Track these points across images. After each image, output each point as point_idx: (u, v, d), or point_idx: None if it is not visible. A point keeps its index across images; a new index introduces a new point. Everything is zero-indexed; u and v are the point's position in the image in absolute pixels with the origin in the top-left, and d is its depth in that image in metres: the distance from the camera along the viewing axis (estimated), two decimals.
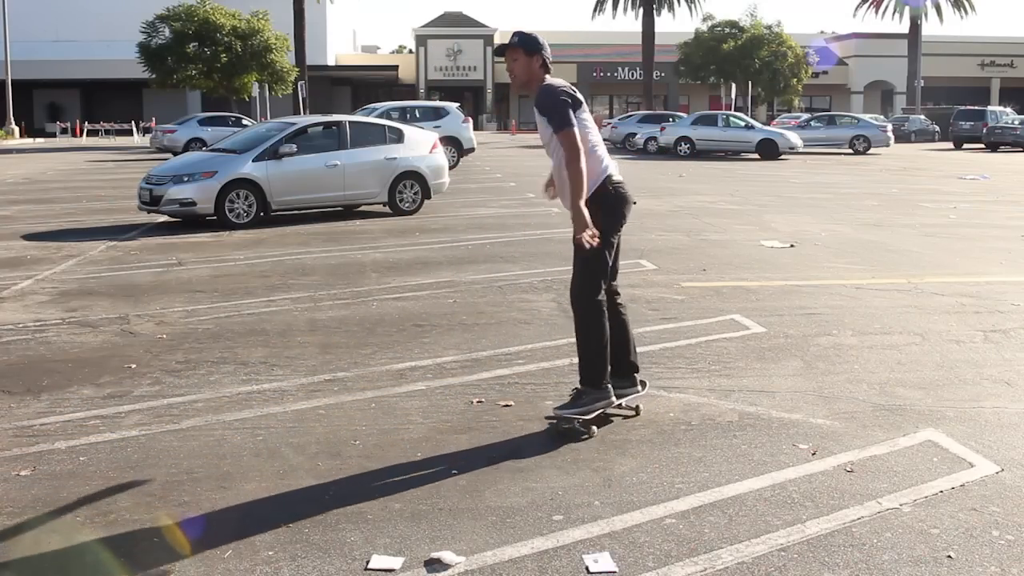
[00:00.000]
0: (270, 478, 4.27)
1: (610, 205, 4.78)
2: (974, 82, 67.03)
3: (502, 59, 4.87)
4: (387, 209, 15.10)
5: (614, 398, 4.91)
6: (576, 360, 5.00)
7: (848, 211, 15.47)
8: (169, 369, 6.09)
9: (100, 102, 60.42)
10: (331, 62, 63.43)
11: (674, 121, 36.54)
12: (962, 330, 6.99)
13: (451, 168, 19.13)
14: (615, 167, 4.89)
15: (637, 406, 5.10)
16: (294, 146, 13.88)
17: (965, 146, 41.87)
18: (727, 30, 53.32)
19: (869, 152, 36.62)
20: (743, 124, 34.41)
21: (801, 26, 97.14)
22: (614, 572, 3.39)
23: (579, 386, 4.90)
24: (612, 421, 4.95)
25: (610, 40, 64.74)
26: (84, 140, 47.97)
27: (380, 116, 23.61)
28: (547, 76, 4.86)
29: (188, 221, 13.70)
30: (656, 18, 54.19)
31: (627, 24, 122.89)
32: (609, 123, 42.30)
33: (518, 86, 4.91)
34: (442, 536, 3.67)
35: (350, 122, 15.29)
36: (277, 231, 13.16)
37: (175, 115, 44.45)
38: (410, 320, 7.44)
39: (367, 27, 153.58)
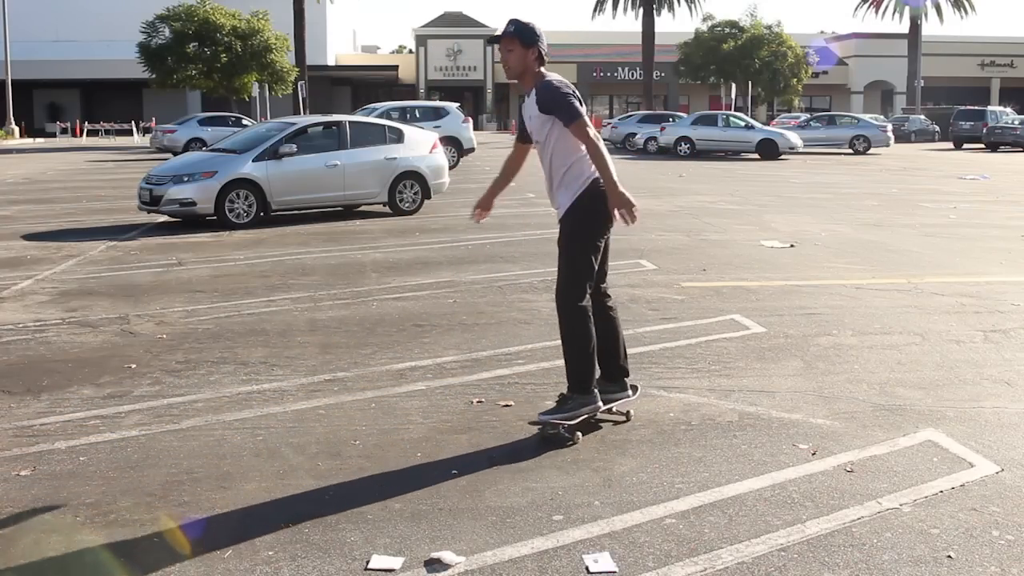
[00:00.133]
0: (270, 478, 4.27)
1: (596, 209, 4.70)
2: (974, 82, 67.03)
3: (497, 45, 4.75)
4: (387, 209, 15.10)
5: (601, 403, 4.84)
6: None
7: (848, 211, 15.47)
8: (169, 369, 6.09)
9: (100, 102, 60.42)
10: (331, 62, 63.43)
11: (674, 121, 36.54)
12: (962, 330, 6.99)
13: (451, 168, 19.12)
14: None
15: (628, 411, 5.03)
16: (294, 146, 13.88)
17: (965, 146, 41.87)
18: (727, 30, 53.31)
19: (869, 152, 36.62)
20: (743, 124, 34.41)
21: (801, 26, 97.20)
22: (614, 572, 3.39)
23: (565, 391, 4.81)
24: (602, 427, 4.89)
25: (610, 40, 64.73)
26: (84, 140, 47.98)
27: (380, 116, 23.60)
28: (542, 69, 4.76)
29: (188, 221, 13.70)
30: (656, 18, 54.20)
31: (627, 24, 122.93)
32: (609, 123, 42.33)
33: (512, 77, 4.81)
34: (442, 536, 3.67)
35: (350, 122, 15.29)
36: (277, 231, 13.16)
37: (175, 115, 44.45)
38: (410, 320, 7.44)
39: (367, 27, 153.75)
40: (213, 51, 40.59)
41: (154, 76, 41.99)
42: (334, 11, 59.20)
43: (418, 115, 27.06)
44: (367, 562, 3.47)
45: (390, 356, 6.35)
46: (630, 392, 5.05)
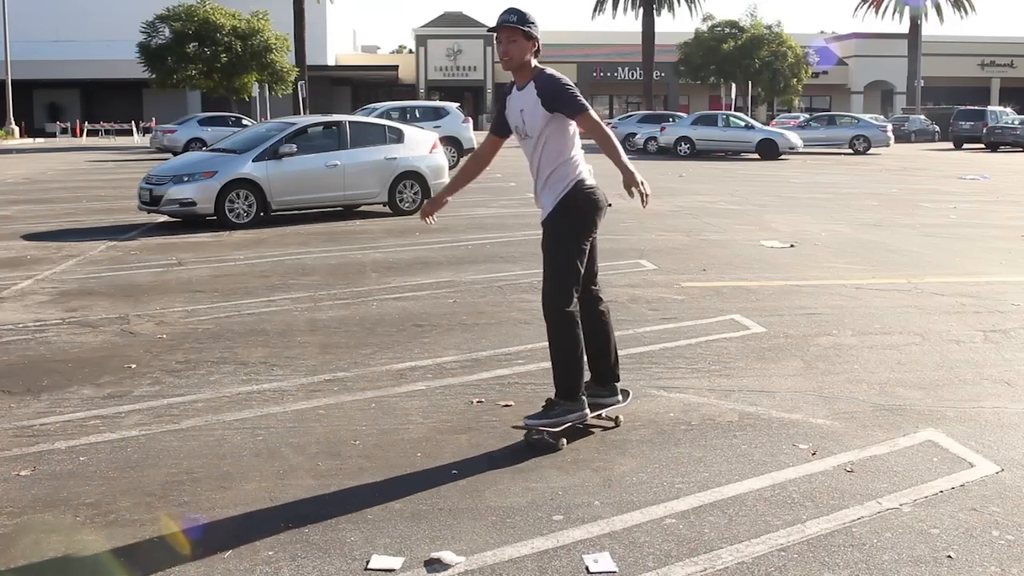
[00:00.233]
0: (270, 478, 4.27)
1: (581, 211, 4.61)
2: (974, 82, 67.04)
3: (496, 35, 4.58)
4: (387, 209, 15.10)
5: (587, 411, 4.72)
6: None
7: (848, 211, 15.47)
8: (169, 369, 6.09)
9: (100, 102, 60.42)
10: (331, 62, 63.44)
11: (674, 121, 36.56)
12: (962, 330, 6.99)
13: (451, 168, 19.11)
14: (588, 172, 4.70)
15: (616, 417, 4.92)
16: (294, 146, 13.89)
17: (965, 146, 41.87)
18: (727, 30, 53.31)
19: (869, 152, 36.62)
20: (743, 124, 34.42)
21: (801, 26, 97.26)
22: (614, 572, 3.39)
23: (552, 397, 4.71)
24: (594, 432, 4.82)
25: (610, 40, 64.75)
26: (84, 140, 47.98)
27: (380, 116, 23.60)
28: (537, 63, 4.65)
29: (188, 221, 13.70)
30: (656, 18, 54.18)
31: (627, 24, 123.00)
32: (609, 123, 42.25)
33: (511, 68, 4.65)
34: (442, 536, 3.67)
35: (350, 122, 15.30)
36: (277, 231, 13.16)
37: (175, 115, 44.47)
38: (410, 320, 7.44)
39: (367, 27, 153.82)
40: (213, 51, 40.58)
41: (154, 76, 41.99)
42: (334, 11, 59.20)
43: (418, 115, 27.07)
44: (367, 562, 3.47)
45: (390, 356, 6.35)
46: (620, 398, 4.97)
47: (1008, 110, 46.69)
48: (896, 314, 7.53)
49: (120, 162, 30.72)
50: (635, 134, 36.95)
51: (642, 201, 4.56)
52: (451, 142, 24.63)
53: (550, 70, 4.65)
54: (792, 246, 11.32)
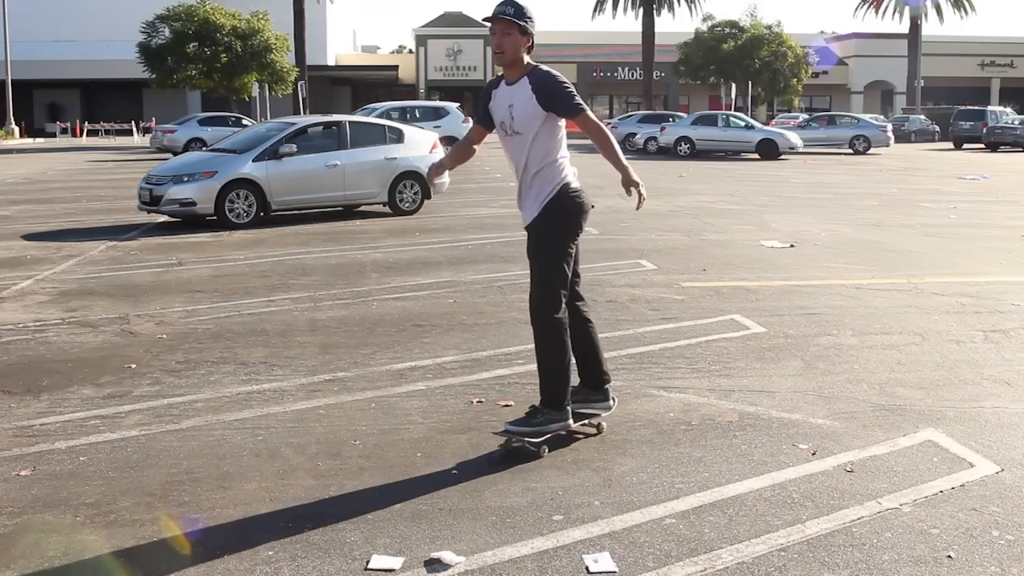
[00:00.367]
0: (270, 478, 4.27)
1: (566, 214, 4.52)
2: (974, 82, 67.01)
3: (490, 25, 4.47)
4: (387, 209, 15.11)
5: (571, 422, 4.61)
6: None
7: (848, 211, 15.47)
8: (169, 369, 6.09)
9: (100, 102, 60.39)
10: (331, 62, 63.42)
11: (674, 121, 36.55)
12: (962, 330, 6.99)
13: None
14: (574, 174, 4.62)
15: (599, 424, 4.82)
16: (294, 146, 13.89)
17: (965, 146, 41.87)
18: (727, 30, 53.29)
19: (869, 152, 36.62)
20: (743, 124, 34.42)
21: (801, 26, 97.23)
22: (614, 572, 3.39)
23: (537, 404, 4.59)
24: (579, 439, 4.74)
25: (610, 40, 64.71)
26: (84, 140, 47.98)
27: (380, 116, 23.63)
28: (528, 59, 4.56)
29: (188, 221, 13.70)
30: (656, 18, 54.18)
31: (627, 24, 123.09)
32: (609, 123, 42.26)
33: (504, 63, 4.55)
34: (442, 536, 3.67)
35: (350, 122, 15.30)
36: (277, 231, 13.16)
37: (175, 115, 44.44)
38: (410, 320, 7.44)
39: (367, 27, 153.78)
40: (213, 51, 40.57)
41: (154, 76, 41.98)
42: (334, 11, 59.20)
43: (418, 115, 27.13)
44: (367, 562, 3.47)
45: (390, 356, 6.35)
46: (611, 403, 4.86)
47: (1008, 110, 46.69)
48: (896, 314, 7.53)
49: (120, 162, 30.72)
50: (635, 134, 36.96)
51: (638, 202, 4.55)
52: (451, 142, 24.48)
53: (546, 67, 4.56)
54: (792, 246, 11.32)
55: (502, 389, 5.57)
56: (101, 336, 7.04)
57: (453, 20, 65.76)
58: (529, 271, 4.63)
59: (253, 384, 5.73)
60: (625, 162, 4.52)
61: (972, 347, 6.51)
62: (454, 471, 4.34)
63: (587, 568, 3.41)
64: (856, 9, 63.24)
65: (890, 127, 39.80)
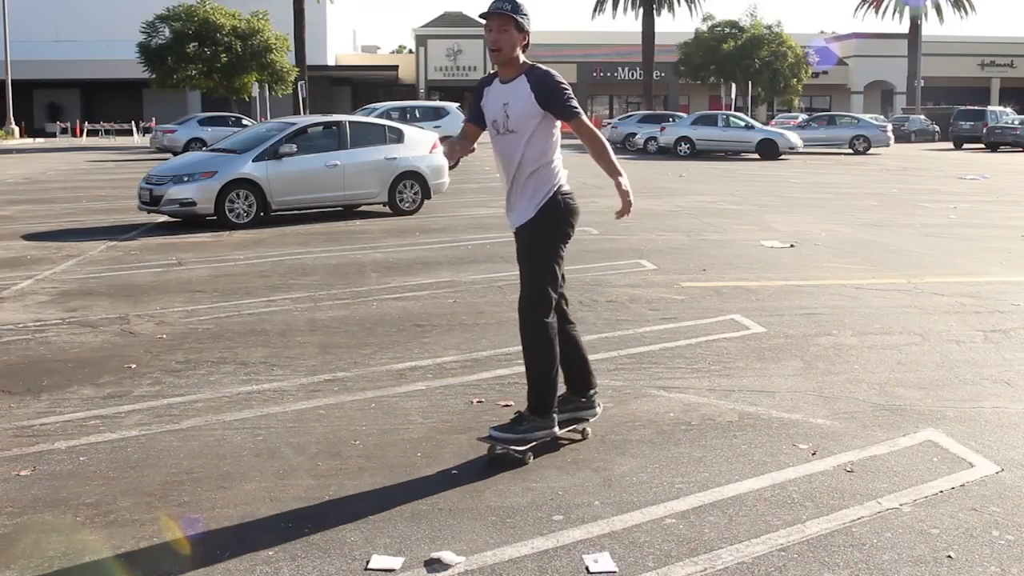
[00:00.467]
0: (270, 478, 4.27)
1: (558, 217, 4.45)
2: (974, 82, 67.02)
3: (486, 22, 4.36)
4: (387, 209, 15.11)
5: (557, 429, 4.54)
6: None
7: (848, 211, 15.47)
8: (169, 369, 6.09)
9: (100, 102, 60.40)
10: (331, 62, 63.42)
11: (674, 121, 36.55)
12: (962, 330, 6.99)
13: (451, 169, 19.14)
14: (565, 177, 4.57)
15: (584, 429, 4.75)
16: (294, 146, 13.89)
17: (965, 146, 41.87)
18: (727, 30, 53.31)
19: (869, 152, 36.62)
20: (743, 124, 34.42)
21: (801, 26, 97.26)
22: (614, 572, 3.39)
23: (523, 411, 4.54)
24: (565, 444, 4.68)
25: (610, 40, 64.71)
26: (84, 140, 47.98)
27: (380, 116, 23.62)
28: (523, 58, 4.49)
29: (188, 221, 13.70)
30: (656, 18, 54.20)
31: (627, 24, 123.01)
32: (609, 123, 42.32)
33: (500, 60, 4.45)
34: (442, 536, 3.67)
35: (350, 122, 15.30)
36: (277, 231, 13.16)
37: (175, 115, 44.45)
38: (410, 320, 7.44)
39: (367, 27, 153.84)
40: (213, 51, 40.58)
41: (154, 76, 41.99)
42: (334, 11, 59.21)
43: (418, 115, 27.13)
44: (367, 562, 3.47)
45: (390, 356, 6.35)
46: (598, 410, 4.82)
47: (1008, 110, 46.69)
48: (896, 314, 7.53)
49: (120, 162, 30.73)
50: (635, 134, 36.97)
51: (621, 211, 4.44)
52: None
53: (545, 67, 4.51)
54: (792, 246, 11.32)
55: (502, 389, 5.57)
56: (101, 336, 7.04)
57: (453, 20, 65.75)
58: (520, 274, 4.56)
59: (253, 384, 5.73)
60: (619, 168, 4.44)
61: (972, 347, 6.51)
62: (454, 471, 4.34)
63: (587, 568, 3.41)
64: (856, 9, 63.32)
65: (890, 127, 39.80)
